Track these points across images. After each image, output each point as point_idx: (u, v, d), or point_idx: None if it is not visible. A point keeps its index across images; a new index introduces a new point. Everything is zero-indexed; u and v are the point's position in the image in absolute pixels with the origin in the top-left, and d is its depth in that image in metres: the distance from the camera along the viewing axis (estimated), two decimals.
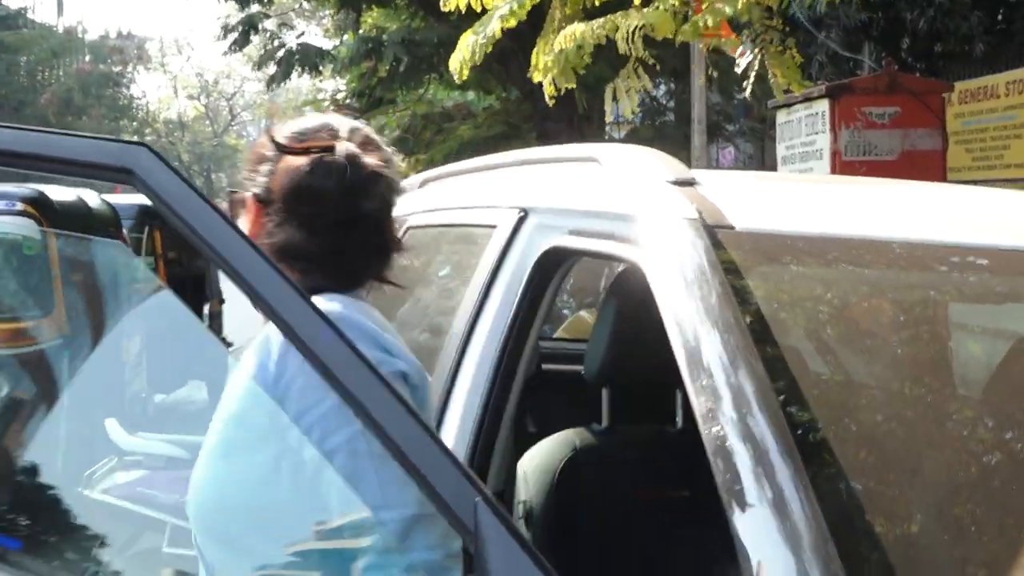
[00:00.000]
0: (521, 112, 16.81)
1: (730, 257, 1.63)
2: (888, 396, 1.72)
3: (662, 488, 2.37)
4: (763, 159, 18.01)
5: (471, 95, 18.39)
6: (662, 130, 17.55)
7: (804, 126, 9.07)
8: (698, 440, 1.86)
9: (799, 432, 1.35)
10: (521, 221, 2.25)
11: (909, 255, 1.78)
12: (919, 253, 1.78)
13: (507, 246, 2.24)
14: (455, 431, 2.11)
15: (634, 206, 1.88)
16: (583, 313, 5.44)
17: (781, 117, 9.72)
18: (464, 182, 3.08)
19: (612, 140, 17.24)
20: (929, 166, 8.30)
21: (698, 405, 1.39)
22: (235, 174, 65.77)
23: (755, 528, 1.23)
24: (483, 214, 2.51)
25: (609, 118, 11.08)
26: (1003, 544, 1.43)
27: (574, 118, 15.49)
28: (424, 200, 3.21)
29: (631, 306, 2.30)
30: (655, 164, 2.03)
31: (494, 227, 2.36)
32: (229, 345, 11.86)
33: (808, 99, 8.87)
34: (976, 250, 1.79)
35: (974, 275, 1.83)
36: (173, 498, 4.67)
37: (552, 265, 2.16)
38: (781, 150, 9.71)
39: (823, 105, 8.65)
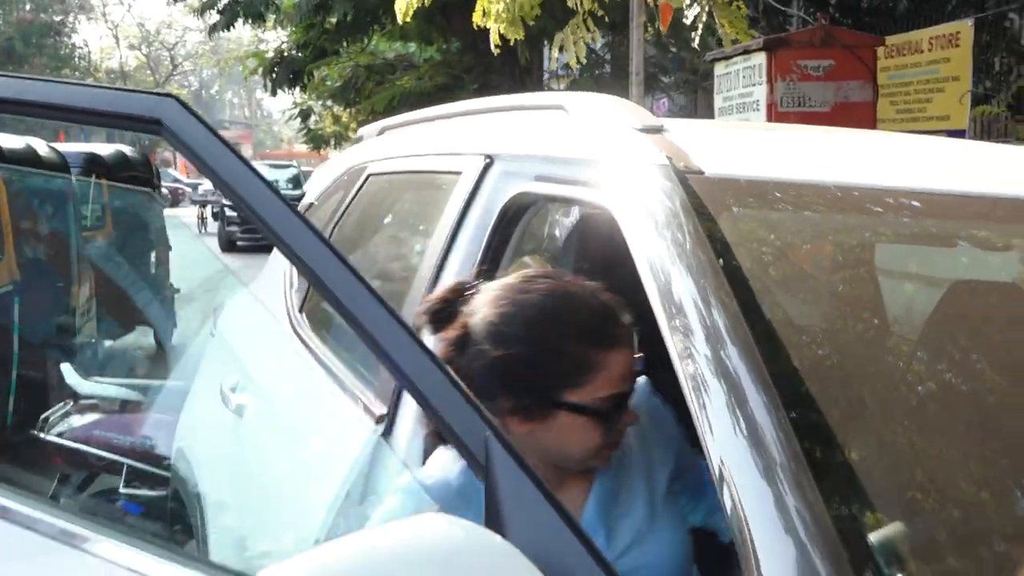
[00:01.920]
0: (463, 64, 16.71)
1: (701, 201, 1.62)
2: (846, 332, 1.78)
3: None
4: (695, 110, 18.05)
5: (413, 47, 18.21)
6: (601, 81, 17.52)
7: (741, 78, 9.09)
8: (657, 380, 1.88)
9: (771, 366, 1.34)
10: (487, 168, 2.22)
11: (873, 198, 1.78)
12: (883, 197, 1.78)
13: (473, 192, 2.21)
14: None
15: (604, 153, 1.87)
16: (527, 259, 5.44)
17: (719, 69, 9.74)
18: (427, 130, 3.04)
19: (553, 91, 17.16)
20: (861, 118, 8.37)
21: (672, 343, 1.39)
22: None
23: (731, 458, 1.25)
24: (448, 161, 2.48)
25: (553, 67, 11.06)
26: (938, 463, 1.52)
27: (515, 70, 15.44)
28: (385, 147, 3.17)
29: (593, 251, 2.30)
30: (622, 112, 2.02)
31: (459, 173, 2.34)
32: (176, 291, 11.83)
33: (746, 52, 8.90)
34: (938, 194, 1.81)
35: (930, 218, 1.85)
36: (128, 440, 4.63)
37: (518, 211, 2.14)
38: (719, 101, 9.73)
39: (760, 58, 8.68)
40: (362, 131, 3.78)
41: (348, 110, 20.02)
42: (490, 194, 2.18)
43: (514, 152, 2.22)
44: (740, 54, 8.99)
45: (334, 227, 3.16)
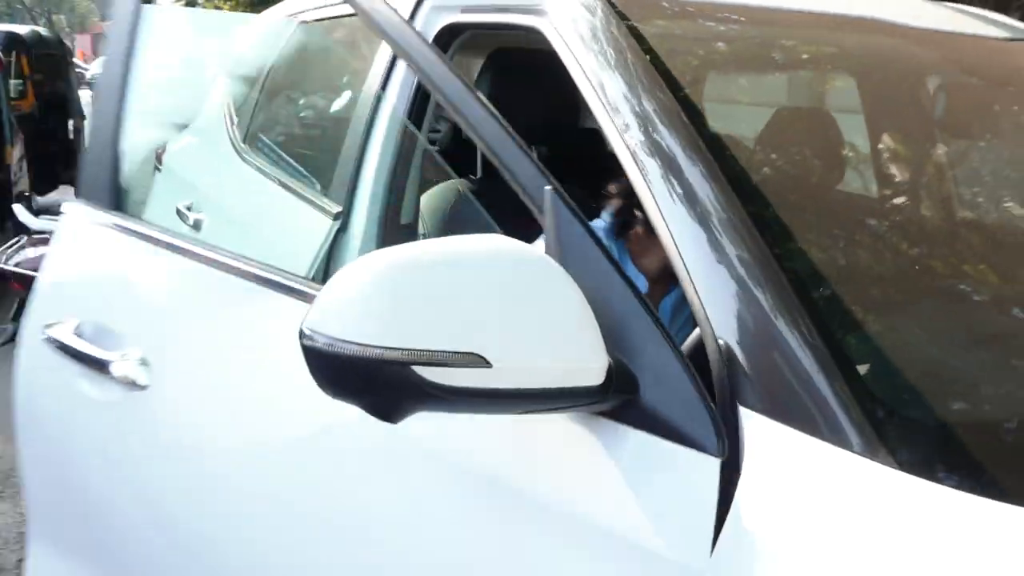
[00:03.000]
0: None
1: (629, 15, 1.78)
2: (760, 108, 2.10)
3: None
4: None
5: None
6: None
7: None
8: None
9: (702, 140, 1.46)
10: (418, 5, 2.31)
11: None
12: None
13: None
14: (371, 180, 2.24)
15: None
16: None
17: None
18: None
19: None
20: None
21: (612, 135, 1.50)
22: (73, 17, 62.19)
23: (669, 217, 1.35)
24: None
25: None
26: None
27: None
28: None
29: (511, 72, 2.43)
30: None
31: None
32: None
33: None
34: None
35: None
36: None
37: (447, 42, 2.27)
38: None
39: None
40: None
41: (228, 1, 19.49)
42: (421, 29, 2.26)
43: None
44: None
45: (268, 71, 3.30)
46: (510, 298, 1.12)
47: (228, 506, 1.76)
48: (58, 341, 2.00)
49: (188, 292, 1.95)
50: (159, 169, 3.98)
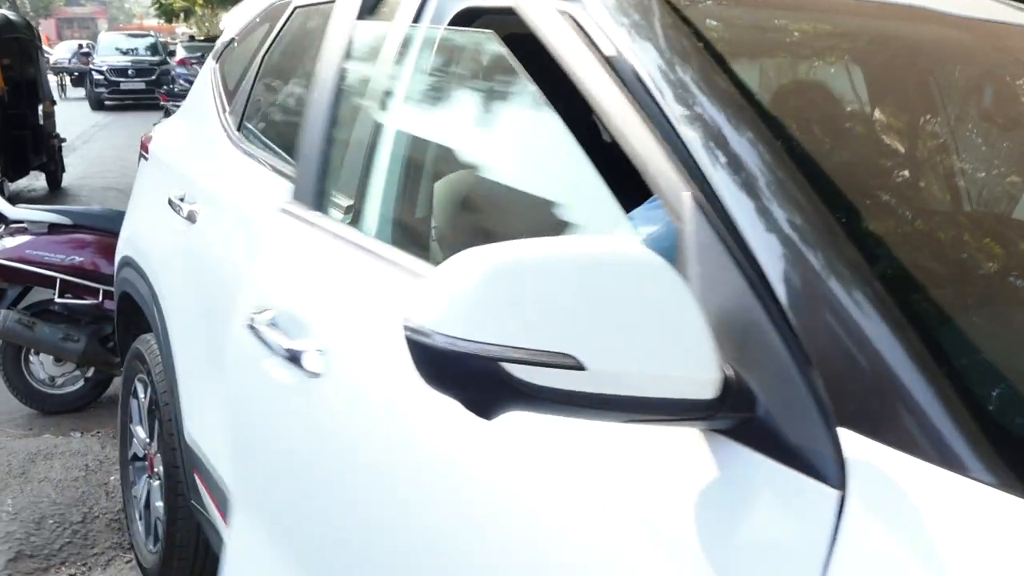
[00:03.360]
0: None
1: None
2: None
3: None
4: None
5: None
6: None
7: None
8: None
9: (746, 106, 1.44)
10: None
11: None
12: None
13: (420, 10, 2.25)
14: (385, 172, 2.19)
15: None
16: None
17: None
18: None
19: None
20: None
21: (637, 109, 1.48)
22: (37, 1, 61.52)
23: (718, 189, 1.32)
24: None
25: None
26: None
27: None
28: None
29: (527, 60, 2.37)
30: None
31: None
32: (62, 141, 11.69)
33: None
34: None
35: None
36: (59, 257, 4.70)
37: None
38: None
39: None
40: None
41: None
42: (436, 10, 2.20)
43: None
44: None
45: (263, 57, 3.21)
46: (617, 301, 1.09)
47: (393, 494, 1.76)
48: (257, 328, 2.09)
49: (357, 284, 1.99)
50: (145, 158, 3.89)
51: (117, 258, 3.85)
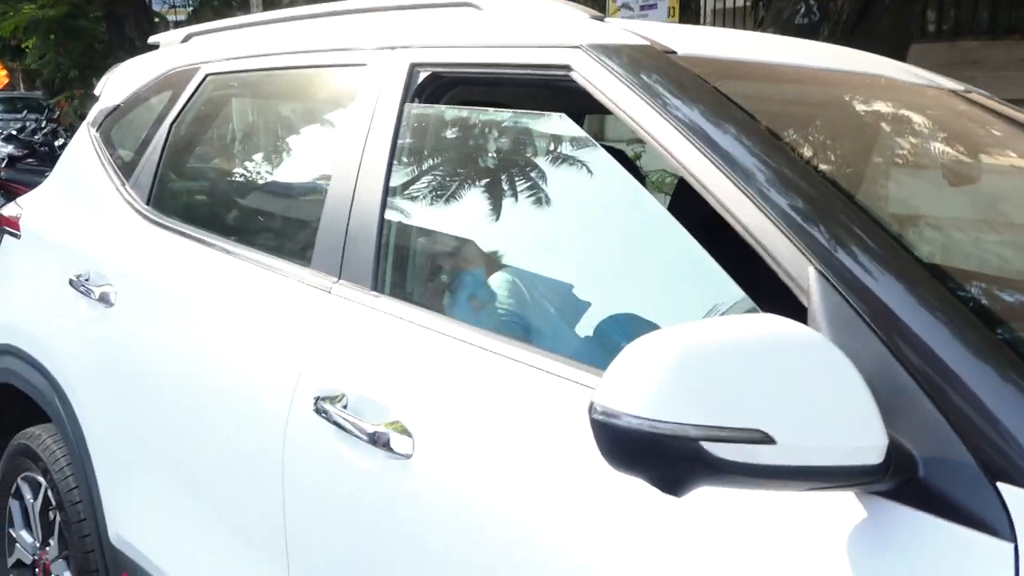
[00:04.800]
0: None
1: (692, 73, 1.75)
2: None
3: None
4: None
5: None
6: (221, 12, 16.93)
7: None
8: None
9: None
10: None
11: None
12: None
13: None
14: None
15: (575, 37, 1.91)
16: None
17: None
18: (279, 29, 2.92)
19: (171, 23, 16.56)
20: None
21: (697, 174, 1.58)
22: None
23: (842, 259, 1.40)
24: (348, 55, 2.42)
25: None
26: None
27: None
28: (226, 48, 3.02)
29: None
30: (549, 6, 2.09)
31: (363, 65, 2.30)
32: None
33: None
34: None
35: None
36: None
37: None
38: None
39: None
40: (159, 38, 3.57)
41: None
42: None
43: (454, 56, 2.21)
44: None
45: (170, 127, 3.00)
46: (790, 377, 1.15)
47: None
48: (326, 412, 1.95)
49: (444, 365, 1.90)
50: (14, 235, 3.55)
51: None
